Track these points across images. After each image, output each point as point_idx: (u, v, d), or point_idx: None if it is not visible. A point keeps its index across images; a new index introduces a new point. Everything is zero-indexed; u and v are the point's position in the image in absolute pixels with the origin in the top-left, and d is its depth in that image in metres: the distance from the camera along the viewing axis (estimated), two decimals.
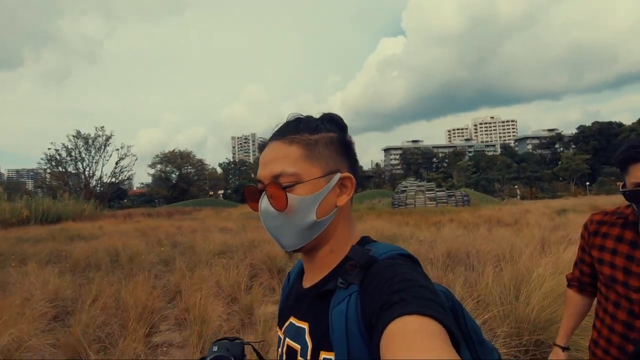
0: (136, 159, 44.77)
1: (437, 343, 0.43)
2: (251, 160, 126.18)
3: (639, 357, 0.96)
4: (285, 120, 0.72)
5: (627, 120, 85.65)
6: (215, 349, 0.80)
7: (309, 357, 0.63)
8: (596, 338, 1.35)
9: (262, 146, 0.71)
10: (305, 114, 0.73)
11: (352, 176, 0.69)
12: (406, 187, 32.99)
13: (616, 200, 19.77)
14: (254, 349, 0.87)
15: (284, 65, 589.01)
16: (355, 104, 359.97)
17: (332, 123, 0.72)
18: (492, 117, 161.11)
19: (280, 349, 0.73)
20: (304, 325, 0.66)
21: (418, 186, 32.92)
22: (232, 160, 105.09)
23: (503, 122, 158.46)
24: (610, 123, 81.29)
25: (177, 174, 67.13)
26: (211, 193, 71.55)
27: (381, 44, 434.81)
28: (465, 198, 29.76)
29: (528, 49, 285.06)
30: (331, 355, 0.58)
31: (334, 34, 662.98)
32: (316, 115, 0.74)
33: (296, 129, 0.68)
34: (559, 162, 76.48)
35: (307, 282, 0.72)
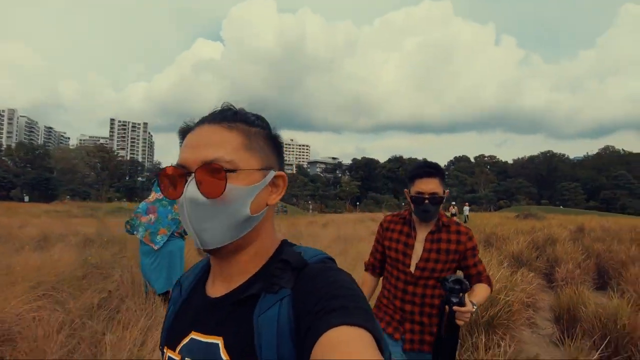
0: None
1: (371, 355, 0.46)
2: (6, 143, 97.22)
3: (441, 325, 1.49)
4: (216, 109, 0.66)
5: (382, 158, 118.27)
6: None
7: None
8: (385, 304, 1.91)
9: (186, 130, 0.65)
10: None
11: (285, 176, 0.66)
12: None
13: (375, 216, 28.40)
14: None
15: (67, 34, 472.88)
16: (161, 99, 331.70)
17: (263, 122, 0.68)
18: (291, 140, 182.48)
19: None
20: (216, 340, 0.59)
21: None
22: None
23: (300, 145, 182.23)
24: (372, 159, 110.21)
25: None
26: None
27: (198, 44, 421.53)
28: (284, 209, 35.74)
29: (324, 87, 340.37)
30: None
31: (141, 19, 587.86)
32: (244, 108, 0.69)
33: (233, 118, 0.63)
34: (339, 185, 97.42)
35: (218, 291, 0.64)
